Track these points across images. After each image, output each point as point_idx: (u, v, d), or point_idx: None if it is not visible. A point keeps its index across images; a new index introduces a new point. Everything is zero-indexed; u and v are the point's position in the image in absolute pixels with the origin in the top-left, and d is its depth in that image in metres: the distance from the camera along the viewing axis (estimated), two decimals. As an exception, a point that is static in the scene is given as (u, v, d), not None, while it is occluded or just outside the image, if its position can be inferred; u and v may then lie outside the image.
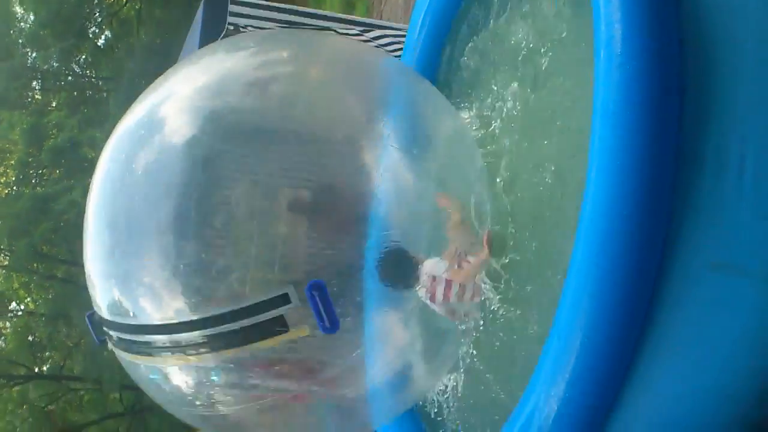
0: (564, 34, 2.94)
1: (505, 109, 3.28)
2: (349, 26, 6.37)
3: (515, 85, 3.21)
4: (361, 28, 6.34)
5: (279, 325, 2.41)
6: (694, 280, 2.16)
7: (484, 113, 3.47)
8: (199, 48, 6.35)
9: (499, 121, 3.34)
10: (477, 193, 3.01)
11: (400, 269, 2.74)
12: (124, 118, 2.74)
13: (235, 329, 2.41)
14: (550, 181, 2.90)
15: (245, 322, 2.41)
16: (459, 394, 3.16)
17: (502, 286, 2.99)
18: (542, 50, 3.06)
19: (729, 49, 2.16)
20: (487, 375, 3.12)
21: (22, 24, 24.85)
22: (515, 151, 3.21)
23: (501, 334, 3.06)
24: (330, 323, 2.33)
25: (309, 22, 6.30)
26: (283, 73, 2.79)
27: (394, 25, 6.48)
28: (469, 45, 3.73)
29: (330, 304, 2.33)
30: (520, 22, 3.26)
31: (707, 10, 2.20)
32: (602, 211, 2.14)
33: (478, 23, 3.71)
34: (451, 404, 3.21)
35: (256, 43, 2.99)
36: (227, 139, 2.55)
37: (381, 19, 9.90)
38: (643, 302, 2.16)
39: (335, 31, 6.34)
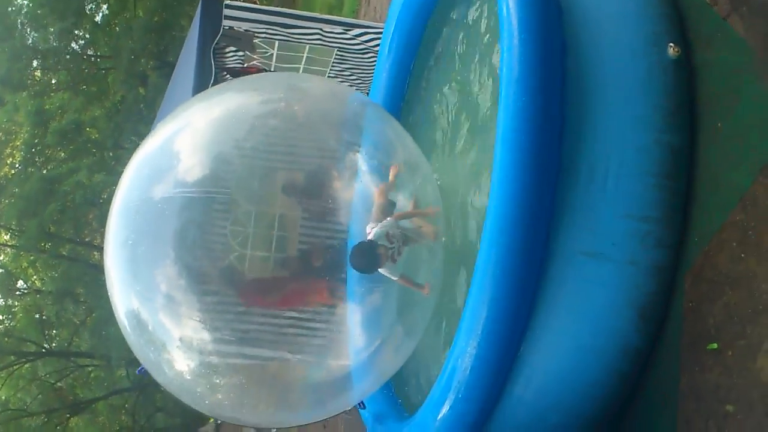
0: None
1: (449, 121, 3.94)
2: (334, 26, 6.97)
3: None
4: (345, 27, 6.95)
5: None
6: (572, 264, 2.81)
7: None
8: (198, 45, 6.96)
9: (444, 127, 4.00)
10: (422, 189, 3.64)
11: (366, 258, 3.23)
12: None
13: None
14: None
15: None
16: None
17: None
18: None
19: (597, 90, 2.79)
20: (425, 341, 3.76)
21: (19, 1, 24.85)
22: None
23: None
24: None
25: (297, 23, 6.88)
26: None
27: (373, 24, 7.08)
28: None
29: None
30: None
31: (586, 59, 2.83)
32: (500, 212, 2.77)
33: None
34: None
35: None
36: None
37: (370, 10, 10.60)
38: (532, 281, 2.81)
39: (321, 30, 6.94)
